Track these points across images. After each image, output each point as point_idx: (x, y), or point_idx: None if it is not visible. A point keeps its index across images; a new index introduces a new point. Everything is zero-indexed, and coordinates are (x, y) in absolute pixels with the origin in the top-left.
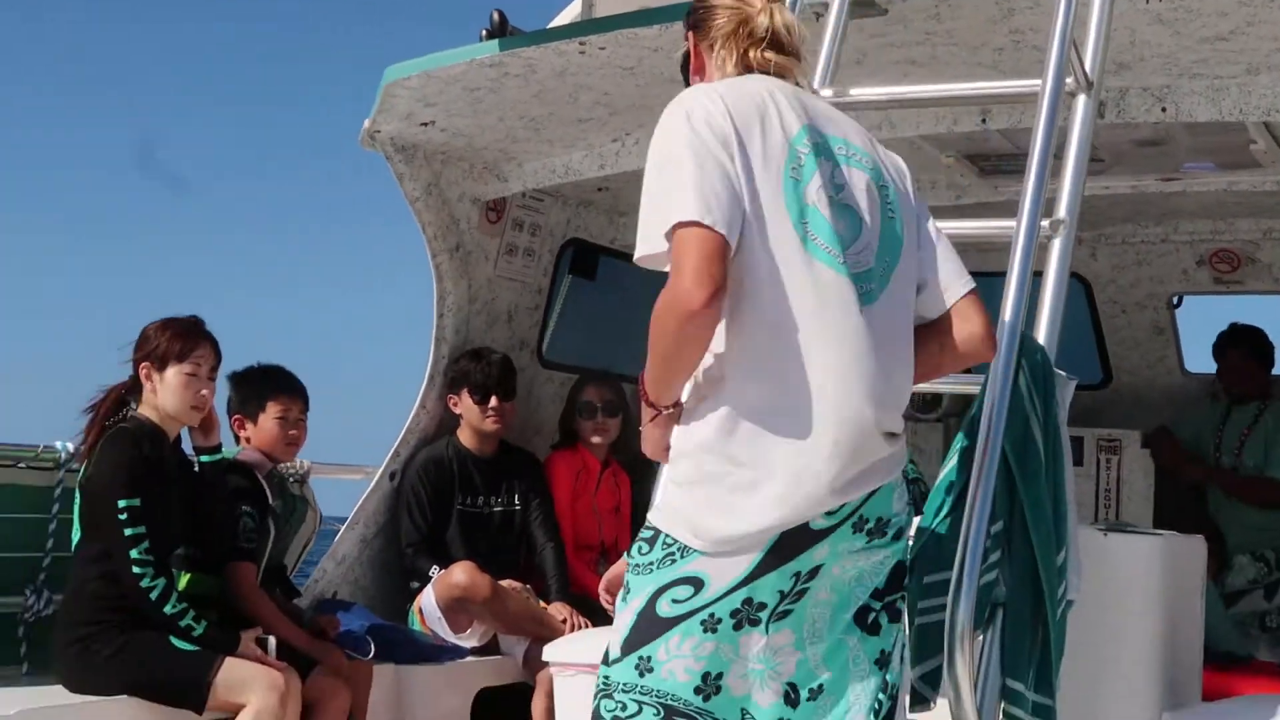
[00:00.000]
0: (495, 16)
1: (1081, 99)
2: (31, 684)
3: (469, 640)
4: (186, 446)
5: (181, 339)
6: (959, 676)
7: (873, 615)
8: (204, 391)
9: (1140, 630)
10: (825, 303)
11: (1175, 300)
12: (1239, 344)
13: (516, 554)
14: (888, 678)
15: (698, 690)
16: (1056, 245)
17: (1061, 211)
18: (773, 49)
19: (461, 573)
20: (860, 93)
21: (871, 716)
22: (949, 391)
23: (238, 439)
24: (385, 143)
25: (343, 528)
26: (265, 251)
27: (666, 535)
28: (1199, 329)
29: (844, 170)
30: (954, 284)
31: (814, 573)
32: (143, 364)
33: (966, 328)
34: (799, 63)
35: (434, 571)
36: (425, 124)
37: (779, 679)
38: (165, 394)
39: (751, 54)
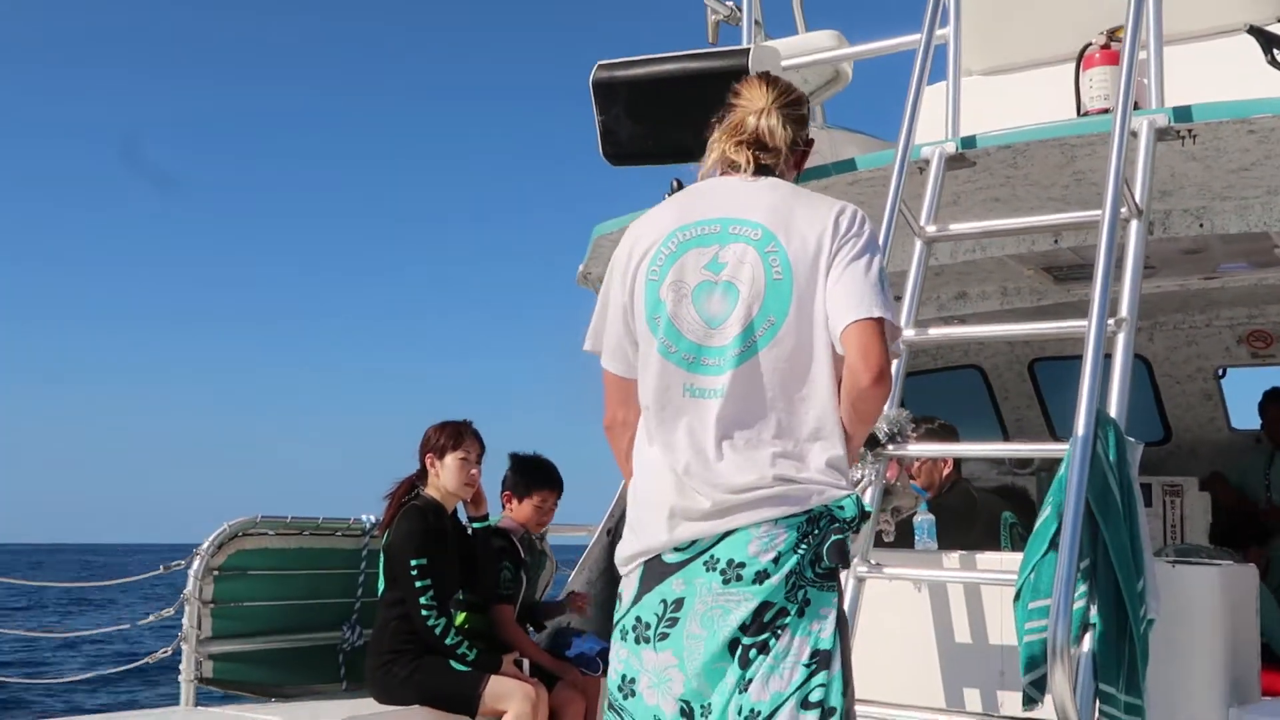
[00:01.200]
0: (675, 183)
1: (1134, 223)
2: (349, 697)
3: None
4: (462, 517)
5: (455, 435)
6: (1059, 682)
7: (741, 649)
8: (474, 471)
9: (1206, 641)
10: (665, 385)
11: (1220, 372)
12: (1278, 400)
13: None
14: (746, 702)
15: (619, 689)
16: (1121, 338)
17: (1123, 311)
18: (744, 145)
19: None
20: (958, 227)
21: None
22: (1040, 456)
23: (504, 508)
24: (595, 281)
25: (572, 573)
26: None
27: None
28: (1241, 394)
29: (731, 248)
30: (842, 317)
31: (679, 604)
32: (427, 455)
33: (847, 357)
34: (760, 155)
35: None
36: None
37: (672, 695)
38: (446, 475)
39: (718, 151)
